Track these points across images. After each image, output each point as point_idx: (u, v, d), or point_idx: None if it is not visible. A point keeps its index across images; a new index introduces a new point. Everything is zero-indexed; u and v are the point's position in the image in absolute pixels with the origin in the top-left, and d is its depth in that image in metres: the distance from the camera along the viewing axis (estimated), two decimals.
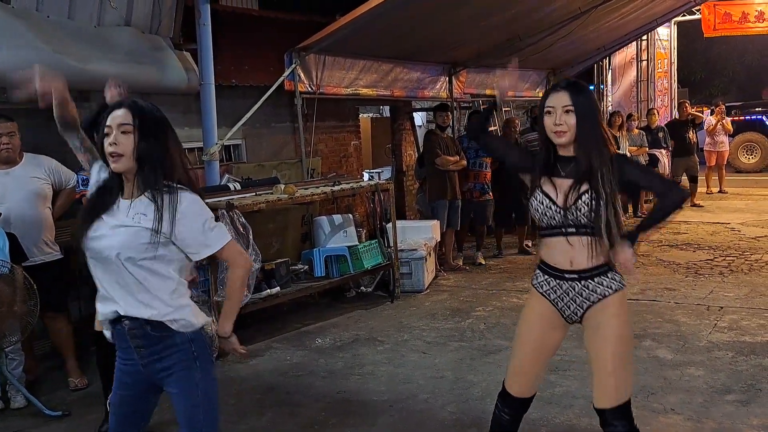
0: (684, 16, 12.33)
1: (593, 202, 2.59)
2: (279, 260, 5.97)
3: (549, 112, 2.68)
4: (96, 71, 5.44)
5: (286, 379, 4.75)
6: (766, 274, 6.81)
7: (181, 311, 2.36)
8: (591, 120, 2.66)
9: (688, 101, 12.41)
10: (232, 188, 5.96)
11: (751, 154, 16.82)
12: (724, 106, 13.38)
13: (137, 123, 2.31)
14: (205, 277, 5.41)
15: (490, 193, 7.93)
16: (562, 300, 2.71)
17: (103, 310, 2.38)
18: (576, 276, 2.66)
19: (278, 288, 5.70)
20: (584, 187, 2.62)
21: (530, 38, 8.70)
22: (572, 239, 2.65)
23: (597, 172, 2.61)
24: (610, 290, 2.66)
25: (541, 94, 12.05)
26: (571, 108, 2.64)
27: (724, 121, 12.48)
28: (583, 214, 2.60)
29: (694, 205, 11.38)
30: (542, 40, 8.92)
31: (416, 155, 9.37)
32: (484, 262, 7.91)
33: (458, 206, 7.63)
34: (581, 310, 2.70)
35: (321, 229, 6.49)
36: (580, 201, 2.61)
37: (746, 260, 7.45)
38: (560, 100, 2.67)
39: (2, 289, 3.98)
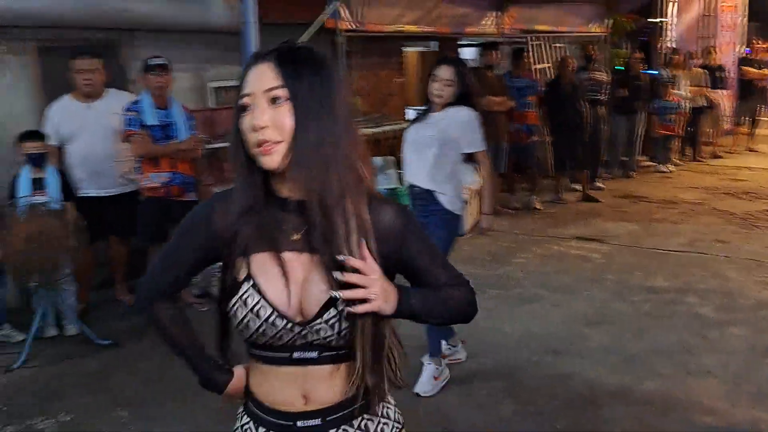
0: None
1: (347, 311, 1.29)
2: None
3: (245, 107, 1.29)
4: (137, 11, 5.40)
5: None
6: None
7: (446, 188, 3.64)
8: (321, 122, 1.28)
9: (758, 39, 11.73)
10: None
11: None
12: None
13: (456, 73, 3.62)
14: None
15: (537, 136, 7.69)
16: None
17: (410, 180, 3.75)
18: (319, 422, 1.38)
19: None
20: (327, 277, 1.30)
21: None
22: (311, 368, 1.37)
23: (342, 238, 1.28)
24: None
25: (595, 30, 11.45)
26: (282, 94, 1.27)
27: None
28: (336, 333, 1.32)
29: (750, 150, 10.93)
30: None
31: None
32: (540, 207, 7.63)
33: (503, 149, 7.44)
34: None
35: None
36: (327, 312, 1.31)
37: None
38: (262, 79, 1.28)
39: (55, 225, 4.18)
